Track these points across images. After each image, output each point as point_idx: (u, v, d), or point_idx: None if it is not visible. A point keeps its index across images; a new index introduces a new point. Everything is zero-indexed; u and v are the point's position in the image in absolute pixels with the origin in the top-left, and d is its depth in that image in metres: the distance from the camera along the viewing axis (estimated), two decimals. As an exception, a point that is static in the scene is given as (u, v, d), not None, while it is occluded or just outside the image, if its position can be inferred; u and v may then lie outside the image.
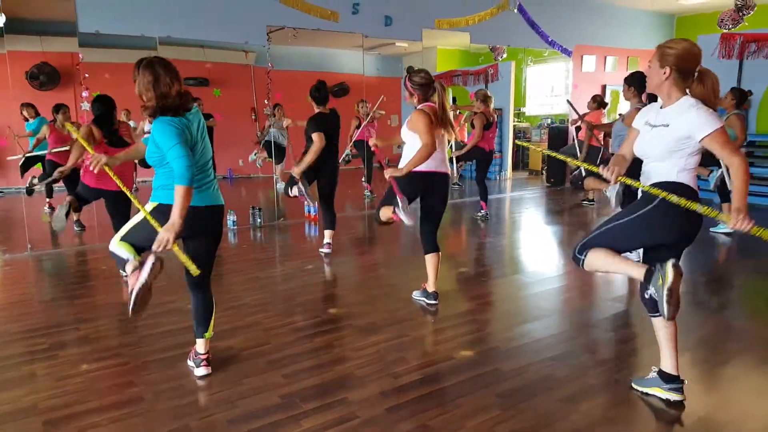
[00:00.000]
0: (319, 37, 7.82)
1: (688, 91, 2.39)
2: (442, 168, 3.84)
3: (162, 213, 2.66)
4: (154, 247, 2.56)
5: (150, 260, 2.64)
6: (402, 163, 3.77)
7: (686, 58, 2.33)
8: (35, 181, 6.26)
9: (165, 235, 2.52)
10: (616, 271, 2.53)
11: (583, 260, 2.56)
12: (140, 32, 6.38)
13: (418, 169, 3.70)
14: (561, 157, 3.29)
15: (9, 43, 5.91)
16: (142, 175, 8.08)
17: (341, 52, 10.74)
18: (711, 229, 6.20)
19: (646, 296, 2.55)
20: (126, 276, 2.80)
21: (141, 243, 2.76)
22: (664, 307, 2.35)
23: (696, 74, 2.37)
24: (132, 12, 6.34)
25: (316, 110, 5.15)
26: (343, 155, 8.88)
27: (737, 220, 2.18)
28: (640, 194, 2.57)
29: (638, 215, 2.47)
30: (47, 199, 7.08)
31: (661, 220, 2.41)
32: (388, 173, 3.70)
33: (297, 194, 5.15)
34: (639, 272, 2.47)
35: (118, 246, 2.78)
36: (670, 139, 2.37)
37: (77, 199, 4.70)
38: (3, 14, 5.62)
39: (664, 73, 2.36)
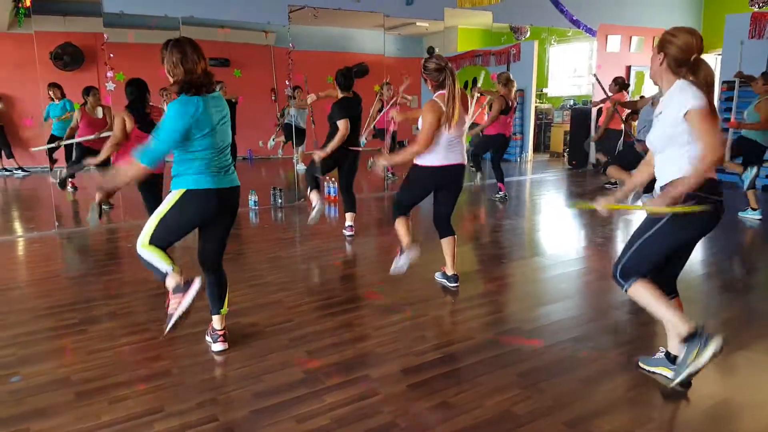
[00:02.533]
0: (340, 16, 7.78)
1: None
2: (458, 159, 3.75)
3: (189, 200, 2.71)
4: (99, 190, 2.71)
5: (195, 286, 2.63)
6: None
7: (682, 46, 2.31)
8: (64, 173, 6.34)
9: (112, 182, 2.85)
10: (657, 314, 2.46)
11: (627, 289, 2.49)
12: (163, 12, 6.41)
13: (432, 163, 3.68)
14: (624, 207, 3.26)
15: (35, 24, 5.98)
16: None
17: (362, 32, 10.67)
18: (740, 214, 6.11)
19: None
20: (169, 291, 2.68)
21: (170, 240, 2.79)
22: (680, 376, 2.40)
23: (691, 63, 2.33)
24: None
25: (340, 95, 5.16)
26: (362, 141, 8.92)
27: (665, 198, 2.26)
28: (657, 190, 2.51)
29: (660, 227, 2.41)
30: (70, 180, 7.20)
31: (681, 223, 2.36)
32: (378, 162, 3.85)
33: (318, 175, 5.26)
34: (682, 326, 2.38)
35: (149, 252, 2.70)
36: (665, 125, 2.34)
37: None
38: None
39: (660, 59, 2.36)
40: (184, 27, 6.49)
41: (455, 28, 11.44)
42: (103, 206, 4.87)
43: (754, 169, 5.91)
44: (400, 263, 3.98)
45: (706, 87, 2.31)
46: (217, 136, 2.72)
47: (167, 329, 2.65)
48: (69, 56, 8.26)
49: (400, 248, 3.95)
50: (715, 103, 8.05)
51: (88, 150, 6.28)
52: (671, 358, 2.64)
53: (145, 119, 4.47)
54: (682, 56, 2.31)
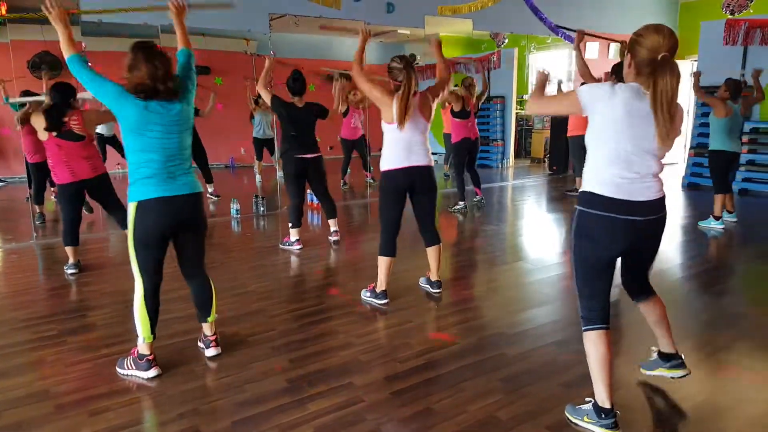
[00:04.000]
0: (321, 24, 7.80)
1: (644, 87, 2.13)
2: (421, 161, 3.72)
3: (145, 209, 2.69)
4: None
5: (150, 374, 2.81)
6: (381, 161, 3.77)
7: (649, 47, 2.09)
8: (37, 209, 6.36)
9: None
10: (591, 371, 2.35)
11: (583, 332, 2.39)
12: (142, 20, 6.36)
13: (394, 165, 3.69)
14: None
15: (11, 32, 5.90)
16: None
17: (343, 40, 10.70)
18: (699, 224, 6.12)
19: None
20: None
21: (156, 259, 2.80)
22: (571, 414, 2.39)
23: (658, 64, 2.08)
24: (134, 1, 6.31)
25: (290, 100, 5.14)
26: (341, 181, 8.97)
27: None
28: None
29: (573, 251, 2.35)
30: (52, 188, 7.09)
31: (584, 237, 2.28)
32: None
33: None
34: (602, 397, 2.30)
35: (138, 314, 2.81)
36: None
37: (72, 232, 4.63)
38: (5, 4, 5.62)
39: (628, 61, 2.20)
40: (164, 35, 6.45)
41: (436, 35, 11.50)
42: (85, 210, 4.79)
43: (712, 223, 6.01)
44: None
45: (661, 102, 2.07)
46: (156, 141, 2.67)
47: (117, 369, 2.90)
48: (47, 65, 8.16)
49: (374, 285, 3.89)
50: (692, 110, 8.16)
51: (43, 165, 6.22)
52: (664, 357, 2.64)
53: (59, 126, 4.38)
54: (649, 57, 2.09)
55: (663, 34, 2.10)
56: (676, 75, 2.08)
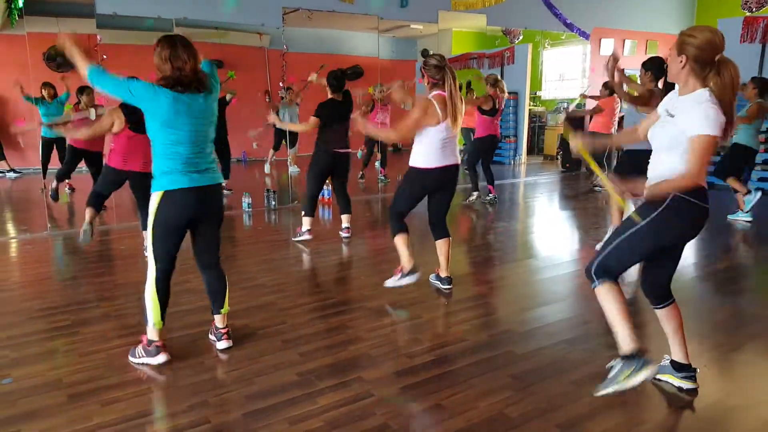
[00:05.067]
0: (334, 19, 7.79)
1: (712, 84, 2.25)
2: (453, 160, 3.77)
3: (171, 199, 2.73)
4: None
5: (159, 359, 2.86)
6: (413, 156, 3.77)
7: (704, 47, 2.20)
8: (53, 184, 6.38)
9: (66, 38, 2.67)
10: (611, 321, 2.44)
11: (595, 286, 2.46)
12: (157, 14, 6.40)
13: (429, 165, 3.69)
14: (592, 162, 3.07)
15: (28, 25, 5.96)
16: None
17: (356, 35, 10.67)
18: (729, 216, 6.15)
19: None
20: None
21: (170, 250, 2.85)
22: (605, 390, 2.39)
23: (716, 64, 2.23)
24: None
25: (330, 96, 5.17)
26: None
27: (628, 189, 2.33)
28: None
29: (638, 229, 2.38)
30: (67, 181, 7.15)
31: (672, 220, 2.34)
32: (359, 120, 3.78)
33: None
34: (626, 342, 2.37)
35: (150, 300, 2.86)
36: (672, 130, 2.30)
37: (99, 198, 4.76)
38: None
39: (681, 61, 2.27)
40: (178, 28, 6.48)
41: (449, 30, 11.46)
42: (92, 224, 4.84)
43: (758, 194, 6.04)
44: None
45: (731, 89, 2.24)
46: (184, 134, 2.70)
47: (130, 358, 2.92)
48: (62, 57, 8.20)
49: (401, 267, 3.91)
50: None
51: (82, 152, 6.27)
52: (676, 366, 2.63)
53: (138, 120, 4.50)
54: (704, 56, 2.21)
55: (716, 34, 2.21)
56: (737, 69, 2.23)
